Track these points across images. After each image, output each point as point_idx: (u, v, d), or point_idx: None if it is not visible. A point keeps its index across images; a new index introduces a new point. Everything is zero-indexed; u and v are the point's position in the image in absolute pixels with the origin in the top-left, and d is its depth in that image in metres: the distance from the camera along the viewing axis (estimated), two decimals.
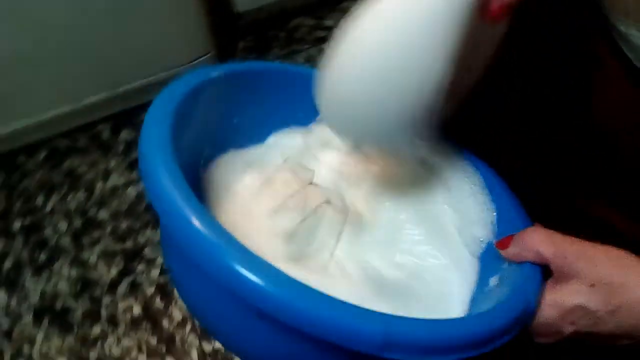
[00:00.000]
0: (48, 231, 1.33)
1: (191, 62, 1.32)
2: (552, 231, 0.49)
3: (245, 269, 0.39)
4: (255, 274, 0.39)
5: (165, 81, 0.91)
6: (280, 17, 1.46)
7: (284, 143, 0.64)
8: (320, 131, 0.63)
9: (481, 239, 0.56)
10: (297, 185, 0.59)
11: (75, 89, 1.31)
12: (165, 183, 0.44)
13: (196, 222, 0.41)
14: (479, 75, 0.54)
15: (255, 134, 0.63)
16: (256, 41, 1.50)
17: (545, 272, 0.49)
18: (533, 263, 0.50)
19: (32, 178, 1.39)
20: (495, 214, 0.57)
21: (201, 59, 1.34)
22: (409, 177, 0.61)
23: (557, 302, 0.47)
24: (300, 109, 0.63)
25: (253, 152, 0.63)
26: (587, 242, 0.47)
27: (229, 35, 1.47)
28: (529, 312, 0.47)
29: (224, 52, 1.44)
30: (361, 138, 0.52)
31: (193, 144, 0.56)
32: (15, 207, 1.36)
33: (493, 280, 0.53)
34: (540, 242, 0.49)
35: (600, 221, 0.58)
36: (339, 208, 0.58)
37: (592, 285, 0.45)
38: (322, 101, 0.51)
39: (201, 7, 1.26)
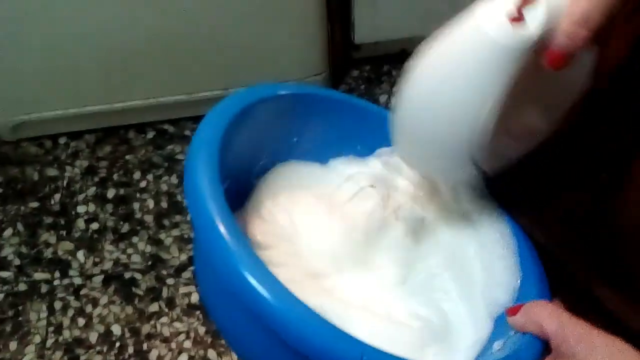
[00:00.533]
0: (136, 205, 1.41)
1: (303, 77, 1.37)
2: (561, 309, 0.49)
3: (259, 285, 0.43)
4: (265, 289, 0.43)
5: None
6: (398, 55, 1.49)
7: (342, 168, 0.66)
8: (378, 164, 0.65)
9: (501, 303, 0.56)
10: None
11: (192, 82, 1.39)
12: (207, 206, 0.47)
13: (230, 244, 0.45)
14: (560, 115, 0.54)
15: (313, 156, 0.66)
16: (369, 73, 1.53)
17: (546, 347, 0.49)
18: (536, 336, 0.49)
19: (136, 154, 1.49)
20: (519, 280, 0.57)
21: (313, 77, 1.39)
22: (448, 222, 0.61)
23: None
24: (359, 142, 0.66)
25: (312, 170, 0.66)
26: (595, 328, 0.47)
27: (344, 61, 1.52)
28: None
29: (336, 75, 1.49)
30: (424, 169, 0.56)
31: (249, 152, 0.60)
32: (114, 177, 1.45)
33: (497, 345, 0.53)
34: (545, 316, 0.48)
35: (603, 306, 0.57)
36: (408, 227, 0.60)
37: None
38: (395, 136, 0.55)
39: (323, 29, 1.31)
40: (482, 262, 0.59)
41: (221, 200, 0.48)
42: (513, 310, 0.51)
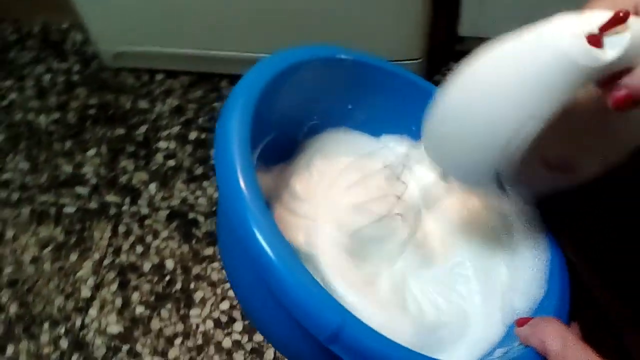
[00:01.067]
0: (213, 152, 1.45)
1: (397, 59, 1.36)
2: (569, 331, 0.48)
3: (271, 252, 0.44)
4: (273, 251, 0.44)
5: None
6: None
7: (391, 146, 0.67)
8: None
9: (517, 311, 0.55)
10: (387, 192, 0.61)
11: (288, 43, 1.41)
12: (235, 178, 0.47)
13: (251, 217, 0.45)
14: (614, 162, 0.52)
15: (366, 128, 0.66)
16: None
17: None
18: (536, 352, 0.49)
19: (223, 102, 1.52)
20: (542, 294, 0.56)
21: (408, 61, 1.38)
22: (482, 223, 0.61)
23: None
24: (415, 123, 0.65)
25: (360, 141, 0.67)
26: (600, 357, 0.45)
27: (445, 52, 1.50)
28: None
29: (433, 64, 1.48)
30: (449, 171, 0.54)
31: (300, 109, 0.61)
32: (199, 121, 1.50)
33: (499, 352, 0.53)
34: (550, 334, 0.48)
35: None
36: (409, 225, 0.60)
37: None
38: (425, 128, 0.53)
39: (426, 14, 1.30)
40: (509, 267, 0.59)
41: (246, 154, 0.49)
42: (522, 322, 0.51)
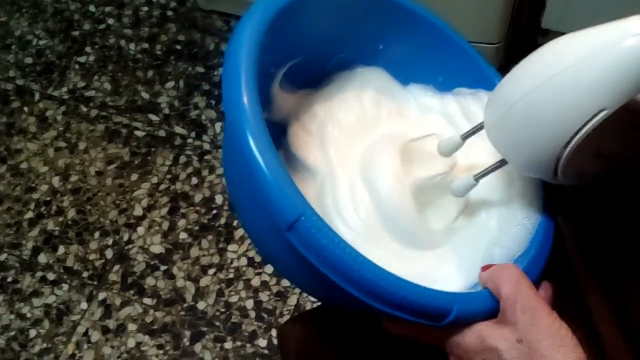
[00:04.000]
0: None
1: (475, 41, 1.36)
2: (524, 277, 0.48)
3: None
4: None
5: None
6: None
7: (421, 97, 0.67)
8: (453, 103, 0.65)
9: (495, 262, 0.55)
10: (441, 166, 0.61)
11: None
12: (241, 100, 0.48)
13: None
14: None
15: (396, 72, 0.67)
16: None
17: (497, 308, 0.49)
18: (491, 295, 0.50)
19: None
20: (521, 252, 0.56)
21: (486, 45, 1.37)
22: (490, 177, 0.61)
23: (483, 336, 0.48)
24: (442, 74, 0.66)
25: (393, 88, 0.67)
26: (548, 307, 0.46)
27: (526, 42, 1.48)
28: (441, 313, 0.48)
29: (512, 52, 1.46)
30: (512, 158, 0.53)
31: (329, 37, 0.62)
32: None
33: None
34: (505, 278, 0.49)
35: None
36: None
37: (519, 341, 0.45)
38: (489, 111, 0.53)
39: (510, 2, 1.29)
40: (499, 219, 0.59)
41: (252, 65, 0.50)
42: (484, 268, 0.52)
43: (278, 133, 0.61)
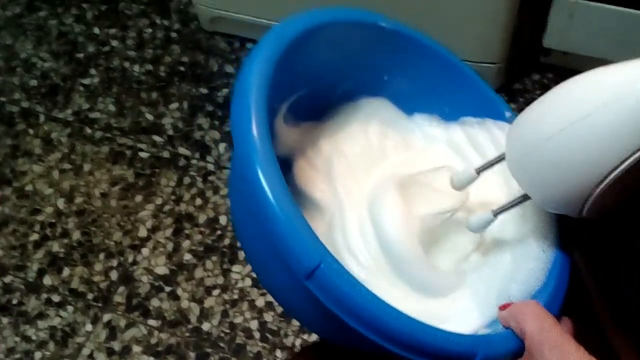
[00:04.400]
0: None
1: (476, 61, 1.37)
2: (547, 314, 0.48)
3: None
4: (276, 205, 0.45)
5: None
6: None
7: (426, 128, 0.67)
8: (460, 133, 0.65)
9: (512, 298, 0.55)
10: (452, 201, 0.59)
11: None
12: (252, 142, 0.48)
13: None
14: None
15: (401, 102, 0.66)
16: (550, 81, 1.49)
17: (522, 347, 0.48)
18: (514, 334, 0.49)
19: None
20: (538, 287, 0.55)
21: (487, 65, 1.38)
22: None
23: None
24: (448, 104, 0.65)
25: (399, 119, 0.67)
26: (575, 342, 0.46)
27: (528, 61, 1.49)
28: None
29: (513, 72, 1.47)
30: (536, 196, 0.52)
31: (333, 70, 0.61)
32: None
33: (482, 331, 0.54)
34: (528, 316, 0.48)
35: None
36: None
37: None
38: (511, 146, 0.52)
39: (511, 19, 1.30)
40: (513, 254, 0.59)
41: (262, 99, 0.50)
42: (504, 306, 0.51)
43: (283, 168, 0.60)
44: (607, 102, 0.44)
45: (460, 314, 0.56)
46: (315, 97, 0.62)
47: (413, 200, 0.58)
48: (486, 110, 0.64)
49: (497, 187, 0.61)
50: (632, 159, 0.44)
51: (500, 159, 0.54)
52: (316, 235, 0.46)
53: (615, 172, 0.45)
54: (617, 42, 1.26)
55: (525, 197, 0.53)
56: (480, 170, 0.56)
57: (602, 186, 0.46)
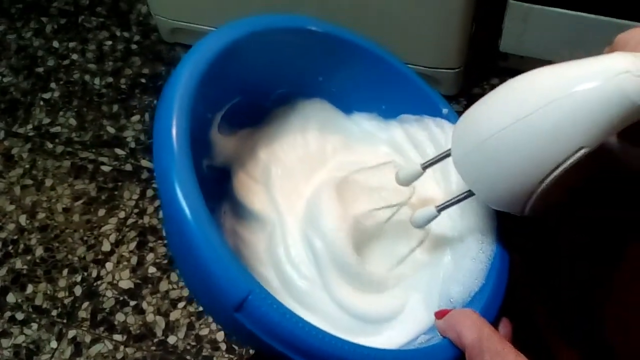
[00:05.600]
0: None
1: (434, 66, 1.38)
2: (485, 323, 0.48)
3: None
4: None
5: None
6: None
7: (370, 130, 0.66)
8: (399, 131, 0.65)
9: (453, 301, 0.56)
10: (393, 197, 0.60)
11: None
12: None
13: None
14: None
15: (338, 102, 0.66)
16: None
17: (461, 356, 0.48)
18: (453, 343, 0.49)
19: None
20: (478, 287, 0.56)
21: (445, 70, 1.40)
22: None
23: None
24: (385, 102, 0.65)
25: (337, 118, 0.66)
26: (514, 350, 0.46)
27: (485, 65, 1.51)
28: None
29: (472, 77, 1.49)
30: (481, 194, 0.52)
31: (266, 76, 0.61)
32: None
33: (422, 339, 0.54)
34: (466, 325, 0.48)
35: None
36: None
37: None
38: (456, 144, 0.52)
39: (466, 25, 1.31)
40: (453, 254, 0.59)
41: (184, 116, 0.49)
42: (440, 314, 0.51)
43: (222, 179, 0.60)
44: (548, 102, 0.45)
45: (407, 314, 0.56)
46: (250, 104, 0.62)
47: (355, 199, 0.58)
48: (423, 107, 0.64)
49: (436, 184, 0.62)
50: (573, 158, 0.45)
51: (446, 154, 0.54)
52: (243, 267, 0.45)
53: (557, 171, 0.45)
54: (571, 44, 1.28)
55: (469, 194, 0.53)
56: (425, 166, 0.56)
57: (544, 184, 0.46)
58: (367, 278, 0.56)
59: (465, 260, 0.57)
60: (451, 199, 0.54)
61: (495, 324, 0.51)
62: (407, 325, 0.56)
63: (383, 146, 0.66)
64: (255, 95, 0.62)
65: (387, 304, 0.57)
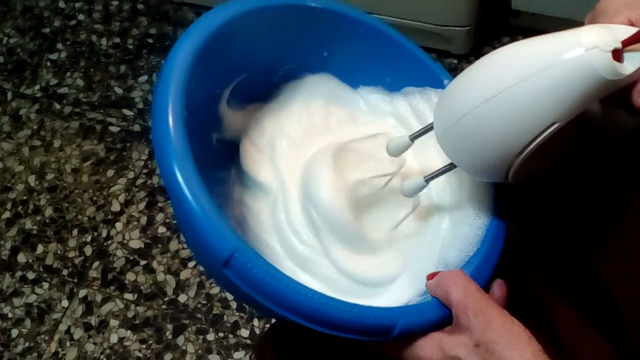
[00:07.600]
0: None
1: (446, 25, 1.37)
2: (472, 282, 0.49)
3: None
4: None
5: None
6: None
7: (376, 103, 0.68)
8: (403, 103, 0.66)
9: (450, 264, 0.57)
10: (388, 166, 0.61)
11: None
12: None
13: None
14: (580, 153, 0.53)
15: (345, 76, 0.67)
16: None
17: (449, 316, 0.49)
18: (441, 303, 0.50)
19: None
20: (473, 252, 0.57)
21: (456, 28, 1.38)
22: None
23: (442, 345, 0.48)
24: (389, 75, 0.66)
25: (344, 92, 0.67)
26: (498, 306, 0.47)
27: (497, 24, 1.49)
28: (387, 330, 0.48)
29: (484, 35, 1.47)
30: (462, 164, 0.53)
31: (271, 53, 0.62)
32: None
33: (416, 299, 0.54)
34: (453, 284, 0.49)
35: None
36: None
37: (477, 345, 0.46)
38: (439, 117, 0.53)
39: None
40: (452, 220, 0.60)
41: (180, 92, 0.50)
42: (431, 276, 0.52)
43: (231, 152, 0.61)
44: (520, 79, 0.46)
45: (404, 279, 0.58)
46: (258, 80, 0.63)
47: (349, 167, 0.59)
48: (426, 79, 0.65)
49: (438, 155, 0.62)
50: (546, 132, 0.46)
51: (430, 127, 0.55)
52: (230, 226, 0.47)
53: (532, 145, 0.47)
54: (583, 2, 1.26)
55: (452, 166, 0.55)
56: (413, 137, 0.57)
57: (522, 156, 0.48)
58: (365, 241, 0.58)
59: (463, 227, 0.58)
60: (437, 170, 0.56)
61: (486, 287, 0.51)
62: (404, 289, 0.57)
63: (387, 118, 0.67)
64: (261, 72, 0.63)
65: (386, 267, 0.58)
